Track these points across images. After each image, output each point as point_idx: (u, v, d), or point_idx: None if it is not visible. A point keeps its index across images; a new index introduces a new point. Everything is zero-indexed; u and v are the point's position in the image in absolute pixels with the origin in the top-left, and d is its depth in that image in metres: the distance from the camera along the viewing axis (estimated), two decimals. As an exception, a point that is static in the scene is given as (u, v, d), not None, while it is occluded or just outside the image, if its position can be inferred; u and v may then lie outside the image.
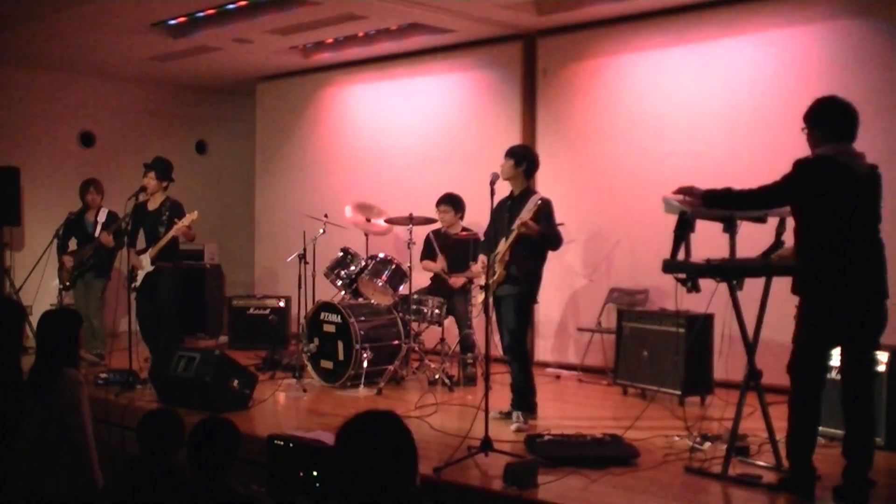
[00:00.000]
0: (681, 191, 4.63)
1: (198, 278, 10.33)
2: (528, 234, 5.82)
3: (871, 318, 4.27)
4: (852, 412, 4.28)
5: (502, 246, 5.93)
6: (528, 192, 6.05)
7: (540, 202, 5.85)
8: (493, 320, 5.83)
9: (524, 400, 6.02)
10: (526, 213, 5.81)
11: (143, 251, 7.61)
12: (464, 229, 7.79)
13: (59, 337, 4.33)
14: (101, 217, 8.43)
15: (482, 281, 5.47)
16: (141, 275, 7.55)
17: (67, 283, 8.40)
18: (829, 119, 4.33)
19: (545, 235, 5.89)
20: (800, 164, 4.29)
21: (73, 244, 8.58)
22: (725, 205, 4.58)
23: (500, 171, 5.95)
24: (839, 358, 4.37)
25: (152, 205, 7.69)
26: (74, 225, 8.55)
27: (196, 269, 10.27)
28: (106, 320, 8.64)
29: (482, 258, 6.16)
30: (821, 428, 4.77)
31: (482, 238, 7.63)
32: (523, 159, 6.09)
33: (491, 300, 5.91)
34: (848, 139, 4.31)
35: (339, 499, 2.34)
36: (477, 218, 7.74)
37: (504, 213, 6.05)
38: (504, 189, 6.03)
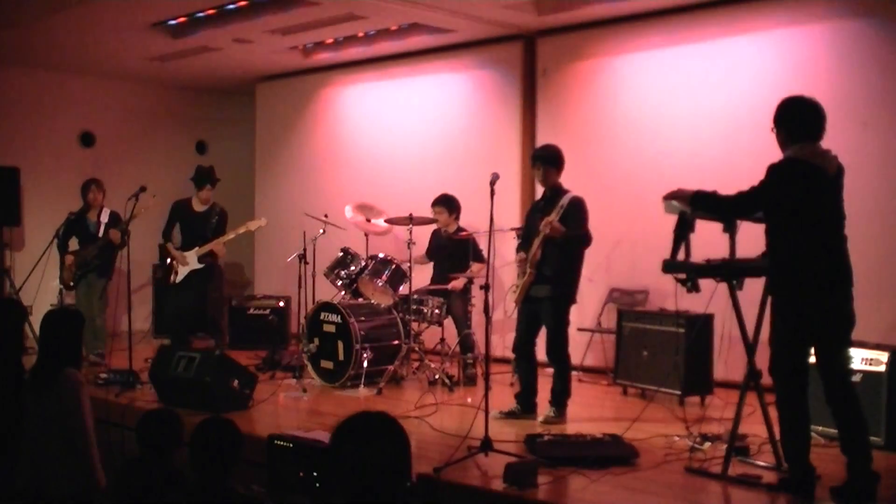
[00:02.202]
0: (671, 195, 4.65)
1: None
2: (552, 236, 5.83)
3: (843, 316, 4.30)
4: (837, 409, 4.31)
5: (534, 246, 5.95)
6: (560, 191, 6.06)
7: (570, 201, 5.87)
8: (493, 320, 5.84)
9: (558, 399, 6.05)
10: (553, 214, 5.83)
11: (188, 250, 8.06)
12: (462, 230, 7.79)
13: (61, 336, 4.33)
14: (104, 217, 8.41)
15: (482, 281, 5.47)
16: (184, 271, 8.03)
17: (71, 283, 8.41)
18: (794, 119, 4.36)
19: (569, 237, 5.88)
20: (773, 168, 4.32)
21: (73, 244, 8.56)
22: (710, 208, 4.60)
23: (536, 178, 6.01)
24: (815, 357, 4.37)
25: (199, 206, 8.15)
26: (76, 224, 8.55)
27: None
28: (108, 320, 8.62)
29: (521, 254, 6.19)
30: (820, 427, 4.79)
31: (476, 239, 7.68)
32: (559, 163, 6.09)
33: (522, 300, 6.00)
34: (814, 138, 4.33)
35: (337, 498, 2.36)
36: (477, 218, 7.74)
37: (537, 213, 6.08)
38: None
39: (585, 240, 6.01)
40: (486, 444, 4.94)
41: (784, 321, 4.35)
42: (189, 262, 8.01)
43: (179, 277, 8.11)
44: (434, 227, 8.06)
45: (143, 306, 10.49)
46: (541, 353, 6.23)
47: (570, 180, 6.18)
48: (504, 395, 6.72)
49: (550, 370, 6.18)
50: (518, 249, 6.31)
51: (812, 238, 4.25)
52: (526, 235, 6.22)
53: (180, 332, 8.16)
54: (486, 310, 5.31)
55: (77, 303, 8.49)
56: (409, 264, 7.37)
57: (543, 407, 6.14)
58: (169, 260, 8.26)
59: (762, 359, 4.75)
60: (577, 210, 5.94)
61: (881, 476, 4.25)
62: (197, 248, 8.02)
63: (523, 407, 6.15)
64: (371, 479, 2.33)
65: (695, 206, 4.58)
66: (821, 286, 4.23)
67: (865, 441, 4.29)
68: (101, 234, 8.32)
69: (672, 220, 4.77)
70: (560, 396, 6.07)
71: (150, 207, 8.01)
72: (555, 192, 6.07)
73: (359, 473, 2.33)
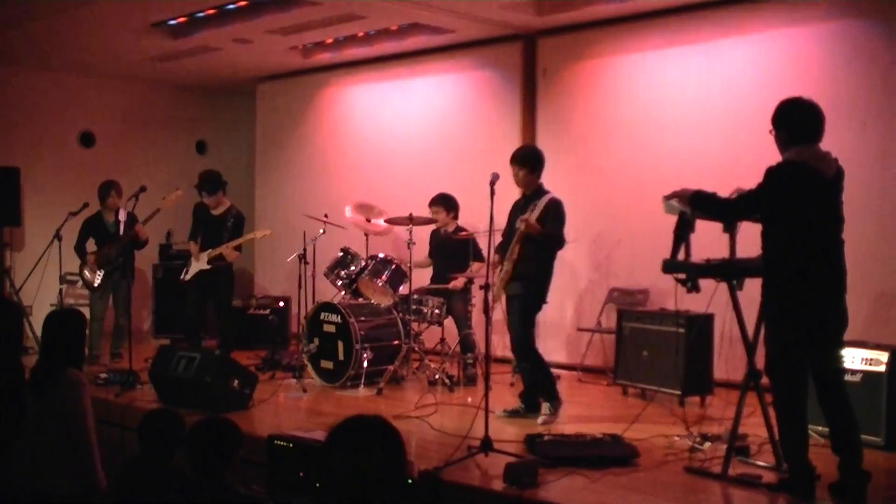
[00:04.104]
0: (674, 195, 4.66)
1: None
2: (530, 233, 5.83)
3: (835, 317, 4.31)
4: (829, 409, 4.34)
5: (512, 244, 5.96)
6: (540, 192, 6.07)
7: (548, 202, 5.88)
8: (493, 320, 5.83)
9: (547, 393, 6.04)
10: (528, 213, 5.83)
11: (203, 250, 8.10)
12: (461, 229, 7.79)
13: (63, 337, 4.33)
14: (121, 217, 8.34)
15: (482, 280, 5.48)
16: (194, 270, 8.05)
17: (95, 284, 8.33)
18: (793, 121, 4.36)
19: (546, 235, 5.89)
20: (770, 172, 4.32)
21: (89, 246, 8.49)
22: (708, 210, 4.61)
23: (515, 181, 6.05)
24: (809, 359, 4.37)
25: (216, 210, 8.18)
26: (93, 226, 8.52)
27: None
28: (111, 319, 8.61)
29: (496, 258, 6.20)
30: (819, 427, 4.79)
31: (476, 239, 7.68)
32: (538, 164, 6.10)
33: (503, 299, 6.02)
34: (813, 140, 4.33)
35: (335, 498, 2.37)
36: (477, 218, 7.74)
37: (517, 213, 6.09)
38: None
39: (560, 242, 6.02)
40: (486, 444, 4.94)
41: (777, 322, 4.36)
42: (200, 262, 8.03)
43: (189, 276, 8.13)
44: (432, 227, 8.06)
45: (144, 306, 10.52)
46: (545, 353, 6.22)
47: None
48: (504, 395, 6.73)
49: (557, 371, 6.18)
50: (497, 250, 6.30)
51: (806, 241, 4.25)
52: (506, 235, 6.23)
53: (194, 334, 8.18)
54: (486, 310, 5.31)
55: (92, 303, 8.46)
56: (409, 264, 7.37)
57: (543, 407, 6.14)
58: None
59: (762, 359, 4.76)
60: (555, 212, 5.96)
61: (871, 475, 4.26)
62: (209, 251, 8.03)
63: (527, 406, 6.16)
64: (364, 484, 2.33)
65: (694, 206, 4.59)
66: (813, 289, 4.24)
67: (857, 441, 4.30)
68: (121, 233, 8.25)
69: (672, 220, 4.77)
70: (546, 389, 6.05)
71: (174, 201, 8.07)
72: (535, 192, 6.08)
73: (352, 478, 2.34)
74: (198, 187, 8.25)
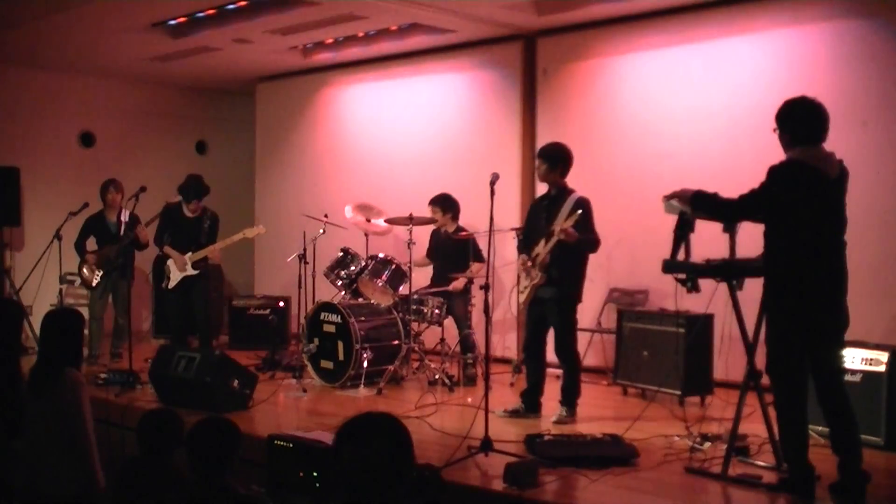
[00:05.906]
0: (674, 194, 4.66)
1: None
2: (567, 241, 5.81)
3: (836, 317, 4.32)
4: (829, 409, 4.34)
5: (541, 248, 5.93)
6: (565, 191, 6.05)
7: (579, 207, 5.84)
8: (493, 320, 5.84)
9: (568, 398, 6.06)
10: (566, 220, 5.81)
11: (183, 254, 8.00)
12: (461, 229, 7.79)
13: (61, 337, 4.33)
14: (124, 217, 8.25)
15: (482, 281, 5.47)
16: (177, 277, 7.97)
17: (93, 284, 8.30)
18: (797, 120, 4.35)
19: (583, 242, 5.87)
20: (773, 171, 4.32)
21: (90, 244, 8.48)
22: (709, 210, 4.60)
23: (536, 174, 6.00)
24: (810, 358, 4.37)
25: (190, 212, 8.07)
26: (95, 225, 8.50)
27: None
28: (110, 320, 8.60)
29: (523, 257, 6.18)
30: (819, 427, 4.79)
31: (476, 239, 7.68)
32: (558, 161, 6.05)
33: (519, 300, 6.06)
34: (817, 140, 4.32)
35: (339, 497, 2.37)
36: (477, 218, 7.74)
37: (541, 213, 6.06)
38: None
39: (596, 244, 6.01)
40: (486, 444, 4.94)
41: (779, 322, 4.36)
42: (186, 268, 7.96)
43: (173, 283, 8.03)
44: (432, 227, 8.06)
45: (143, 306, 10.52)
46: (550, 353, 6.21)
47: (570, 180, 6.18)
48: (504, 395, 6.73)
49: (550, 370, 6.18)
50: (519, 250, 6.29)
51: (809, 241, 4.26)
52: (528, 234, 6.20)
53: (182, 337, 8.15)
54: (486, 310, 5.31)
55: (91, 302, 8.44)
56: (409, 264, 7.37)
57: (548, 407, 6.15)
58: (162, 260, 8.23)
59: (762, 359, 4.75)
60: (587, 214, 5.93)
61: (871, 475, 4.27)
62: (191, 254, 7.96)
63: (528, 406, 6.16)
64: (372, 480, 2.34)
65: (695, 206, 4.59)
66: (813, 289, 4.24)
67: (856, 441, 4.30)
68: (122, 233, 8.19)
69: (672, 220, 4.77)
70: (570, 395, 6.07)
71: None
72: (559, 191, 6.06)
73: (360, 473, 2.34)
74: (186, 192, 8.09)
